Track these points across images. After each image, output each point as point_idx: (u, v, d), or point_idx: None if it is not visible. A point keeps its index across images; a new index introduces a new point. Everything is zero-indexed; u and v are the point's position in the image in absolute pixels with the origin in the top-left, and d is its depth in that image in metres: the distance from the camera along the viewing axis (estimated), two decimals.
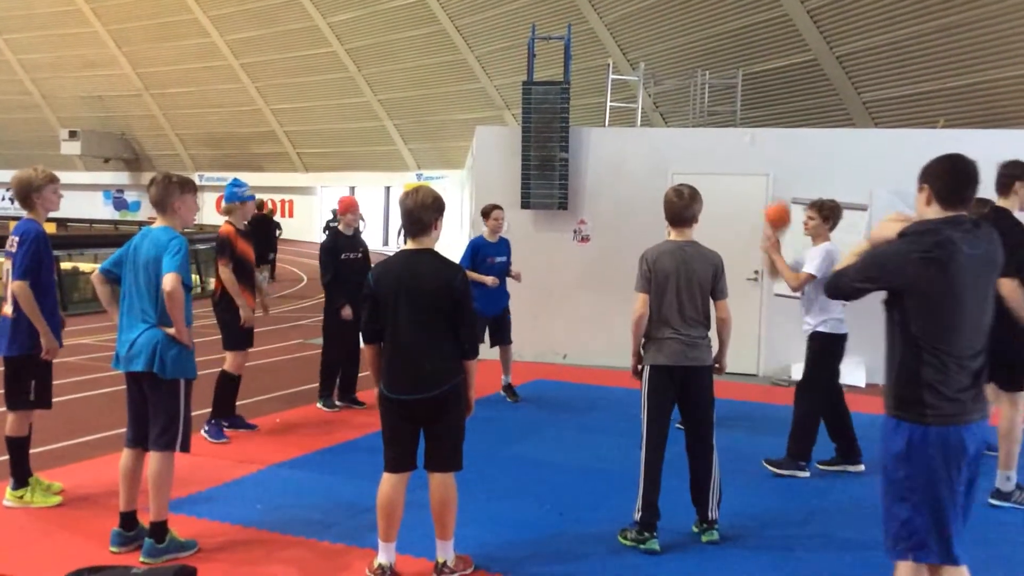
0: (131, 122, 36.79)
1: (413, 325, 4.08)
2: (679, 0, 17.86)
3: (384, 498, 4.19)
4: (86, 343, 11.21)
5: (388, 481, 4.20)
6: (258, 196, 25.08)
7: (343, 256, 7.73)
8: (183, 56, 32.48)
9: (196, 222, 13.39)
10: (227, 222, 6.90)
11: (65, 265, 16.88)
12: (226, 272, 6.69)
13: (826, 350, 6.10)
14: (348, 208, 7.91)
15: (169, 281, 4.31)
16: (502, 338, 8.36)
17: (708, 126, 14.15)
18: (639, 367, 4.92)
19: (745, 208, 9.62)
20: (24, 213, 5.20)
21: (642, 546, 4.69)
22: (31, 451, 5.31)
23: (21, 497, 5.14)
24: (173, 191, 4.53)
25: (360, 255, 7.86)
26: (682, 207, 4.87)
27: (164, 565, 4.32)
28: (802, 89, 16.84)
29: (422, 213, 4.12)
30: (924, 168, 3.29)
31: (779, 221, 6.09)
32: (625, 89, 17.15)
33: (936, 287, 3.12)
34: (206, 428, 6.68)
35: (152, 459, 4.46)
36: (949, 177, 3.23)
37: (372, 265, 7.85)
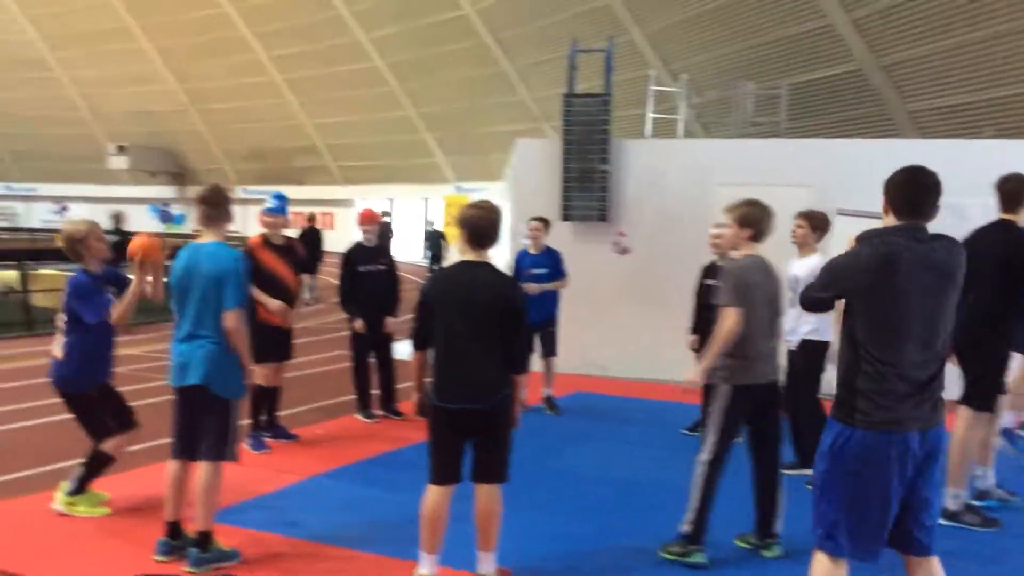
0: (177, 137, 37.41)
1: (469, 335, 4.09)
2: (721, 11, 17.77)
3: (429, 509, 4.17)
4: (133, 353, 11.35)
5: (433, 492, 4.18)
6: (301, 209, 25.49)
7: (360, 268, 7.71)
8: (228, 72, 32.99)
9: (239, 233, 13.50)
10: (260, 235, 6.87)
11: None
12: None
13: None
14: (367, 220, 7.91)
15: (231, 319, 4.45)
16: (545, 350, 8.32)
17: (751, 137, 14.03)
18: (716, 385, 4.73)
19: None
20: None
21: (688, 559, 4.62)
22: (70, 462, 5.36)
23: (72, 504, 5.19)
24: (226, 203, 4.64)
25: (384, 268, 7.82)
26: (769, 222, 4.76)
27: (208, 575, 4.36)
28: (847, 99, 16.64)
29: (489, 227, 4.18)
30: (886, 179, 3.43)
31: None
32: (666, 100, 17.07)
33: (878, 293, 3.25)
34: (248, 440, 6.72)
35: (201, 470, 4.50)
36: (904, 189, 3.37)
37: (399, 277, 7.94)
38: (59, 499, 5.21)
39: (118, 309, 5.05)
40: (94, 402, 5.24)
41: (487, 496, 4.18)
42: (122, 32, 33.95)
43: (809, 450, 5.97)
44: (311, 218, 19.29)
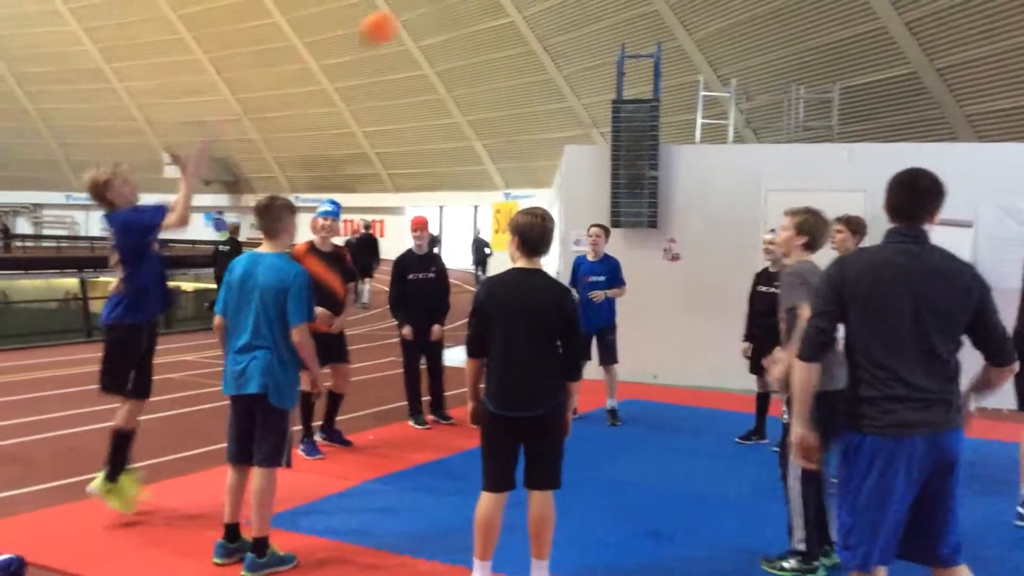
0: (230, 146, 38.03)
1: (523, 343, 4.10)
2: (771, 15, 17.60)
3: (483, 516, 4.16)
4: (188, 359, 11.58)
5: (487, 500, 4.18)
6: (353, 217, 25.91)
7: (410, 276, 7.76)
8: (280, 81, 33.48)
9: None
10: (307, 242, 6.86)
11: (168, 284, 17.50)
12: None
13: None
14: (418, 227, 7.95)
15: (298, 335, 4.52)
16: (604, 358, 8.30)
17: (803, 142, 13.86)
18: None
19: None
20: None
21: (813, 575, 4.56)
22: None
23: (108, 491, 5.24)
24: (285, 214, 4.65)
25: (433, 275, 7.86)
26: (825, 235, 4.81)
27: None
28: (901, 103, 16.37)
29: (542, 233, 4.17)
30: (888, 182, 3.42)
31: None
32: (716, 105, 16.95)
33: (864, 303, 3.26)
34: (301, 447, 6.81)
35: (257, 476, 4.56)
36: (898, 191, 3.38)
37: (449, 285, 7.98)
38: (96, 484, 5.25)
39: (174, 213, 5.09)
40: (134, 349, 5.20)
41: (540, 503, 4.18)
42: (176, 44, 34.65)
43: None
44: (368, 225, 20.73)
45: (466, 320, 4.34)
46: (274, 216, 4.61)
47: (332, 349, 6.91)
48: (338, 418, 7.29)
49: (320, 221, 6.86)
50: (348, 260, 7.17)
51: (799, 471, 4.56)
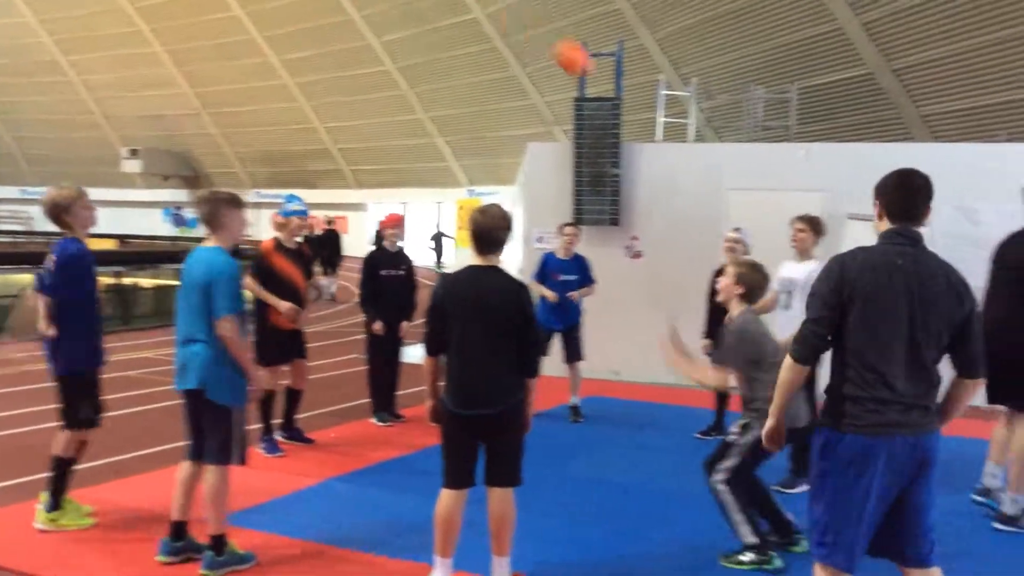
0: (190, 140, 37.60)
1: (480, 341, 4.11)
2: (732, 15, 17.76)
3: (442, 513, 4.18)
4: (147, 357, 11.44)
5: (447, 497, 4.20)
6: (316, 213, 25.84)
7: (383, 272, 7.78)
8: (240, 75, 33.15)
9: (253, 237, 13.50)
10: (272, 238, 6.92)
11: (125, 281, 17.27)
12: (248, 281, 6.49)
13: None
14: (392, 224, 7.96)
15: (223, 328, 4.34)
16: (569, 355, 8.34)
17: (762, 141, 14.02)
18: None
19: None
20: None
21: (768, 566, 4.63)
22: (82, 466, 5.35)
23: (53, 520, 5.03)
24: (221, 207, 4.47)
25: (403, 272, 7.89)
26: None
27: None
28: (858, 103, 16.62)
29: (497, 232, 4.18)
30: (877, 183, 3.41)
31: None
32: (677, 104, 17.08)
33: (862, 303, 3.22)
34: (262, 444, 6.76)
35: (208, 473, 4.48)
36: (895, 192, 3.35)
37: (417, 283, 7.99)
38: (40, 518, 5.02)
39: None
40: (88, 386, 5.05)
41: (501, 500, 4.19)
42: (135, 36, 34.15)
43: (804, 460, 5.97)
44: (331, 221, 21.24)
45: (425, 318, 4.33)
46: (211, 210, 4.45)
47: (291, 345, 6.94)
48: (299, 416, 7.25)
49: (296, 221, 6.92)
50: (307, 254, 7.19)
51: (721, 475, 4.72)
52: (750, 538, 4.68)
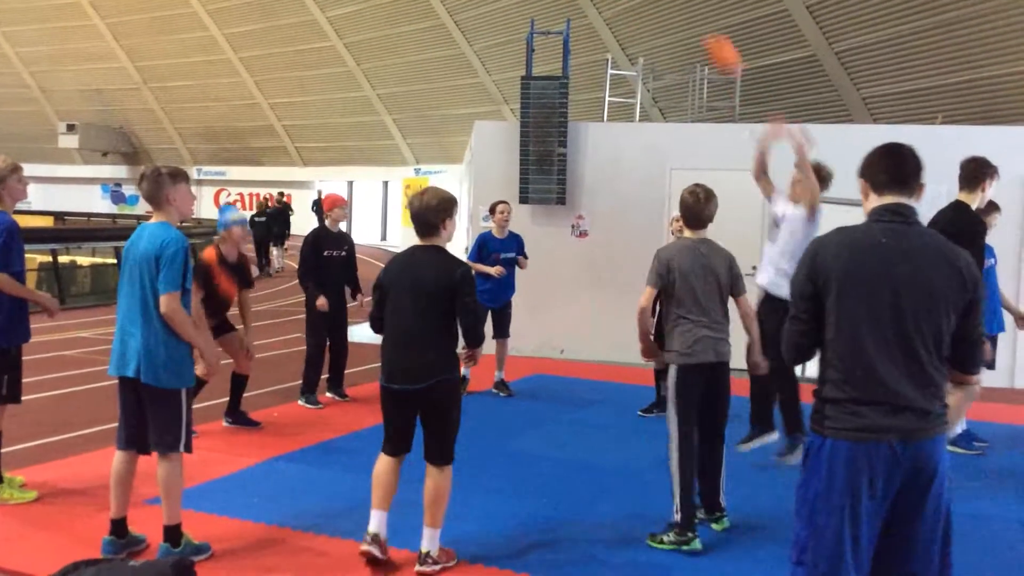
0: (129, 115, 36.72)
1: (412, 317, 4.25)
2: None
3: (378, 474, 4.36)
4: (84, 336, 11.21)
5: (383, 460, 4.40)
6: (259, 191, 25.79)
7: (325, 253, 7.70)
8: (182, 50, 32.41)
9: (195, 215, 13.29)
10: (214, 246, 6.70)
11: (63, 259, 16.88)
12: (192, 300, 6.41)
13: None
14: (335, 204, 7.89)
15: (164, 304, 4.18)
16: (500, 331, 8.38)
17: (707, 122, 14.14)
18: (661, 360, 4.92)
19: (744, 204, 9.59)
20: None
21: (686, 547, 4.63)
22: (12, 448, 5.26)
23: None
24: (165, 183, 4.33)
25: (344, 252, 7.83)
26: (699, 208, 4.87)
27: (161, 560, 4.21)
28: (801, 85, 16.83)
29: (428, 215, 4.29)
30: (862, 162, 3.07)
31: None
32: (624, 84, 17.14)
33: (843, 286, 2.87)
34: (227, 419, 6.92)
35: (160, 464, 4.30)
36: (882, 160, 2.99)
37: (355, 263, 7.92)
38: None
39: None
40: (5, 364, 4.98)
41: (436, 474, 4.31)
42: (71, 7, 33.17)
43: (764, 414, 6.01)
44: (282, 197, 23.11)
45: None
46: (153, 186, 4.32)
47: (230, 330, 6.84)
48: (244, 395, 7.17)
49: (238, 231, 6.78)
50: (249, 269, 7.02)
51: (676, 440, 4.73)
52: (676, 515, 4.69)
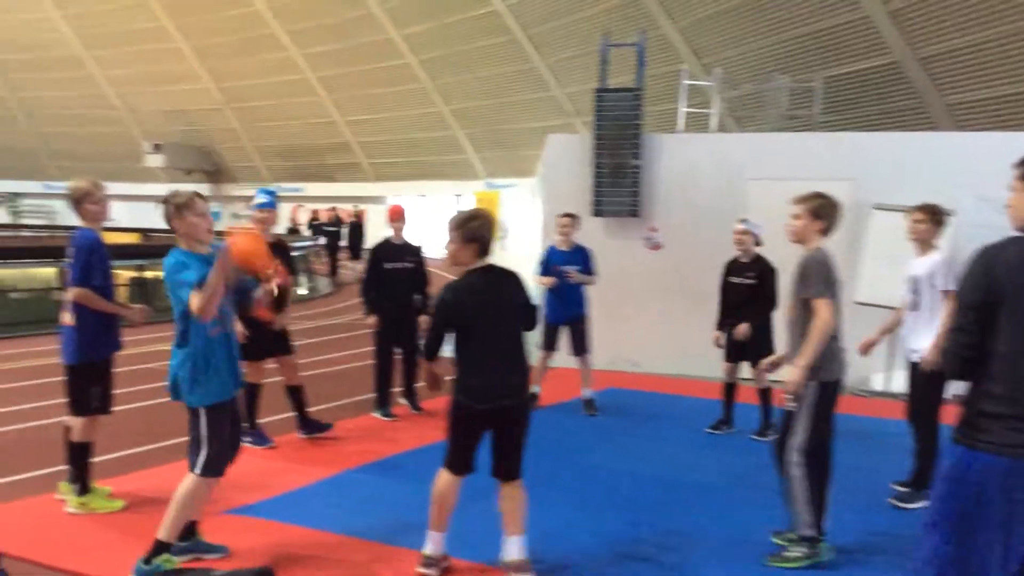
0: (212, 135, 37.79)
1: (506, 336, 4.29)
2: (755, 3, 17.60)
3: (442, 490, 4.32)
4: (166, 349, 11.48)
5: (452, 481, 4.33)
6: (334, 205, 26.65)
7: (387, 265, 7.68)
8: (262, 70, 33.26)
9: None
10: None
11: (148, 274, 17.37)
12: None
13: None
14: (396, 216, 7.88)
15: (193, 304, 4.13)
16: (576, 348, 8.28)
17: (786, 131, 13.88)
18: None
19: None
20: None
21: (817, 560, 4.55)
22: (101, 457, 5.39)
23: (85, 504, 5.19)
24: (170, 214, 4.43)
25: (411, 264, 7.78)
26: (838, 216, 4.76)
27: (245, 567, 4.33)
28: (883, 92, 16.43)
29: (489, 236, 4.32)
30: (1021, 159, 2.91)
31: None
32: (699, 95, 16.93)
33: (1018, 298, 2.75)
34: (248, 438, 6.51)
35: (185, 477, 4.34)
36: None
37: (427, 274, 7.88)
38: (72, 503, 5.19)
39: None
40: (93, 373, 5.18)
41: (517, 488, 4.31)
42: (157, 31, 34.34)
43: (921, 477, 5.57)
44: (357, 213, 24.93)
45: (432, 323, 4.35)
46: (165, 214, 4.44)
47: (275, 342, 6.73)
48: (313, 409, 7.20)
49: (257, 214, 6.70)
50: (286, 249, 6.94)
51: (799, 458, 4.55)
52: (808, 530, 4.56)
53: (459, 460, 4.31)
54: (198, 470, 4.28)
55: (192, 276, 4.18)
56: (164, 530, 4.24)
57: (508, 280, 4.34)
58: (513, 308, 4.30)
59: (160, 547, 4.24)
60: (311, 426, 7.08)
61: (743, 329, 7.19)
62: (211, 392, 4.31)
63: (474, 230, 4.23)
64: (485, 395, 4.21)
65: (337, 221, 23.79)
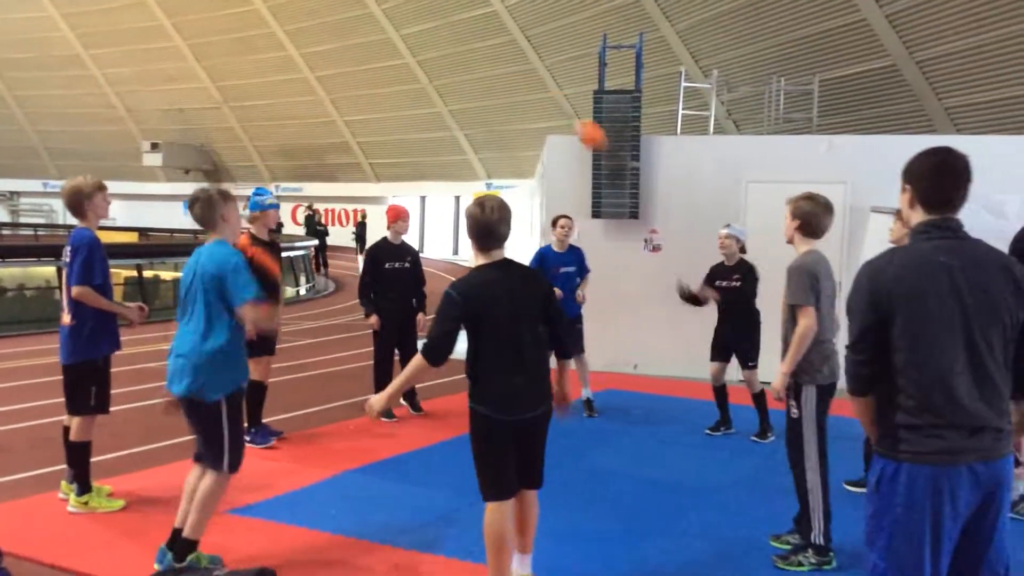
0: (210, 134, 37.74)
1: (526, 341, 3.86)
2: (752, 6, 17.62)
3: (499, 530, 3.84)
4: (165, 349, 11.48)
5: (499, 511, 3.84)
6: (335, 206, 27.20)
7: (386, 265, 7.73)
8: (261, 69, 33.24)
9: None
10: (247, 232, 6.64)
11: (147, 273, 17.40)
12: None
13: None
14: (397, 216, 7.90)
15: (246, 314, 4.21)
16: (573, 347, 8.30)
17: (783, 133, 13.92)
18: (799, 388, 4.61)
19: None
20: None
21: (827, 567, 4.58)
22: (101, 457, 5.41)
23: (86, 503, 5.20)
24: (218, 203, 4.40)
25: (408, 264, 7.83)
26: (825, 218, 4.75)
27: (245, 567, 4.33)
28: (881, 95, 16.45)
29: (502, 227, 3.87)
30: (906, 166, 2.93)
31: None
32: (697, 97, 16.98)
33: (911, 310, 2.72)
34: (248, 437, 6.53)
35: (206, 477, 4.33)
36: (933, 177, 2.86)
37: (422, 274, 7.92)
38: (73, 502, 5.20)
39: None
40: (91, 372, 5.17)
41: (533, 501, 4.10)
42: (156, 30, 34.30)
43: None
44: (363, 215, 26.46)
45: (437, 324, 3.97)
46: (206, 206, 4.40)
47: (262, 342, 6.64)
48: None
49: (272, 213, 6.79)
50: (280, 247, 7.04)
51: (815, 462, 4.58)
52: (820, 538, 4.59)
53: (498, 481, 3.84)
54: (226, 468, 4.28)
55: (253, 281, 4.24)
56: (191, 529, 4.28)
57: (524, 279, 3.94)
58: (532, 311, 3.88)
59: (189, 546, 4.28)
60: (262, 430, 6.90)
61: None
62: (230, 381, 4.32)
63: (474, 217, 3.90)
64: (508, 406, 3.81)
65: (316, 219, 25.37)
